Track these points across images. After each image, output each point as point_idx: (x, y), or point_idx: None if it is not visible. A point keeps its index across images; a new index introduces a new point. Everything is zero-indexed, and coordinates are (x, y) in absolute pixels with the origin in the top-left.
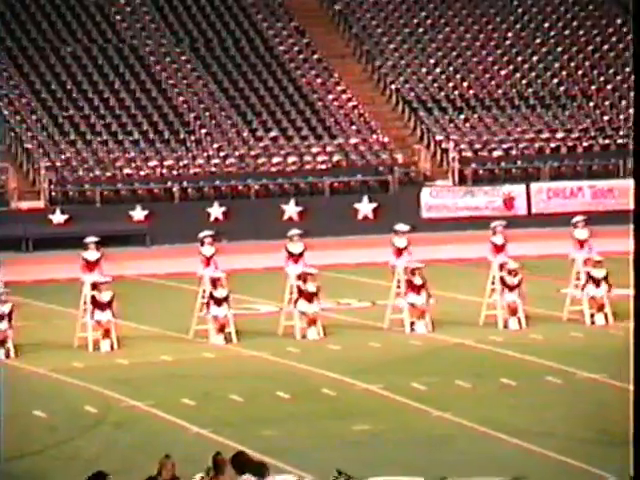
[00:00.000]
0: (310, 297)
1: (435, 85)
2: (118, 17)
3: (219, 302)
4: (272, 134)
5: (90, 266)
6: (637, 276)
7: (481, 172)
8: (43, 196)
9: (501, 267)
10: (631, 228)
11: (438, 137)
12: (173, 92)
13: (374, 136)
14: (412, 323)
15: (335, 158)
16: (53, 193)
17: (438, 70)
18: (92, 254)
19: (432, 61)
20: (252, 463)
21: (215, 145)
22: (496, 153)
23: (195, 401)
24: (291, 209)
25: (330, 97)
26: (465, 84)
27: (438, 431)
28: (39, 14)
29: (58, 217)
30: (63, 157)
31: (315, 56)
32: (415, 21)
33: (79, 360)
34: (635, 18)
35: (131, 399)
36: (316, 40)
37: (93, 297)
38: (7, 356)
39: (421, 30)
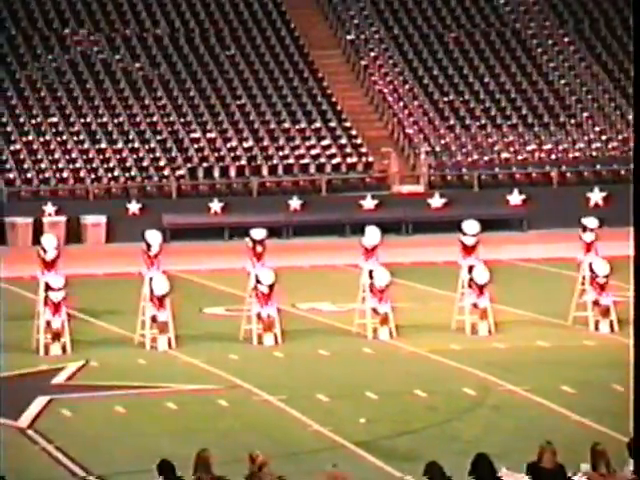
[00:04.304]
0: None
1: None
2: (501, 0)
3: (602, 288)
4: None
5: (467, 250)
6: (637, 279)
7: None
8: (423, 180)
9: None
10: (631, 232)
11: None
12: (554, 75)
13: None
14: None
15: None
16: (432, 177)
17: None
18: (469, 239)
19: None
20: None
21: (597, 128)
22: None
23: (575, 389)
24: None
25: None
26: None
27: None
28: (425, 1)
29: (437, 201)
30: (442, 142)
31: None
32: None
33: (457, 342)
34: (635, 19)
35: (508, 383)
36: None
37: (470, 280)
38: (391, 336)
39: None
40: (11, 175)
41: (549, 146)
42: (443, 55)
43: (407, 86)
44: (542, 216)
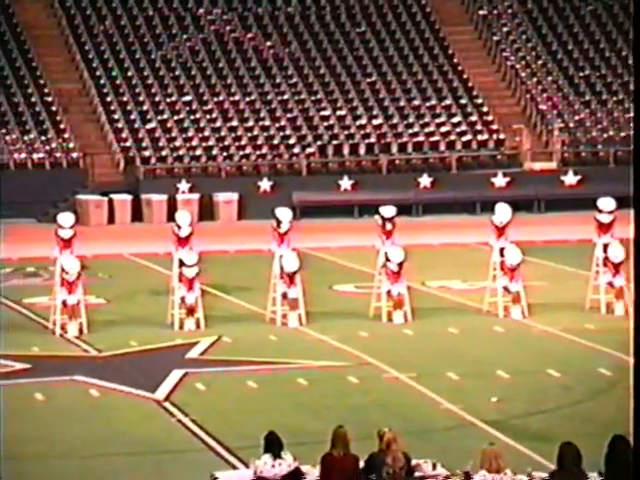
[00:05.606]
0: None
1: None
2: None
3: None
4: None
5: (603, 228)
6: (637, 270)
7: None
8: (556, 157)
9: None
10: (631, 229)
11: None
12: None
13: None
14: None
15: None
16: (566, 154)
17: None
18: (605, 216)
19: None
20: None
21: None
22: None
23: None
24: None
25: None
26: None
27: None
28: None
29: (570, 178)
30: (577, 118)
31: None
32: None
33: (591, 322)
34: (635, 19)
35: None
36: None
37: (605, 258)
38: (523, 314)
39: None
40: (147, 153)
41: None
42: (579, 29)
43: (540, 61)
44: None
